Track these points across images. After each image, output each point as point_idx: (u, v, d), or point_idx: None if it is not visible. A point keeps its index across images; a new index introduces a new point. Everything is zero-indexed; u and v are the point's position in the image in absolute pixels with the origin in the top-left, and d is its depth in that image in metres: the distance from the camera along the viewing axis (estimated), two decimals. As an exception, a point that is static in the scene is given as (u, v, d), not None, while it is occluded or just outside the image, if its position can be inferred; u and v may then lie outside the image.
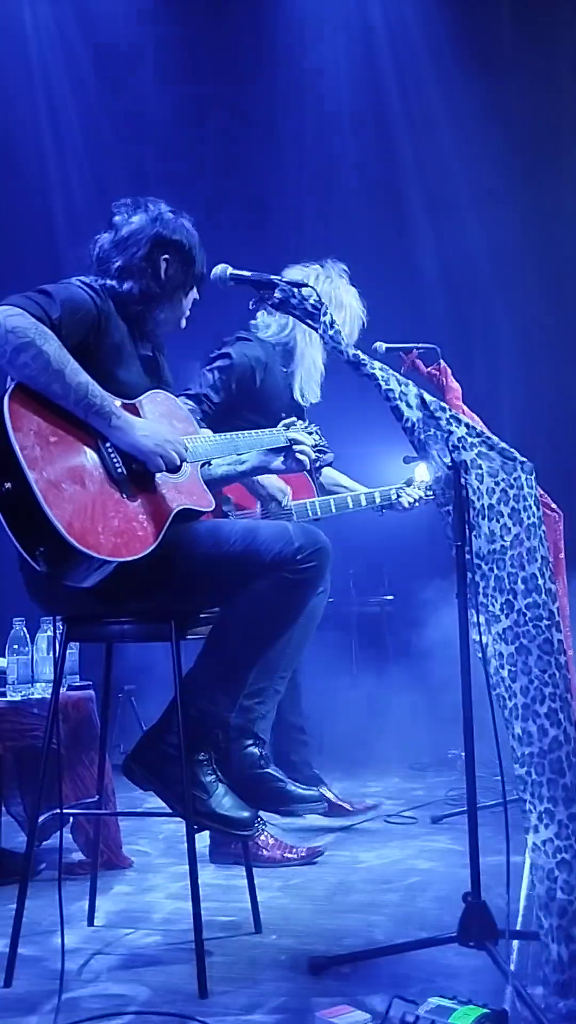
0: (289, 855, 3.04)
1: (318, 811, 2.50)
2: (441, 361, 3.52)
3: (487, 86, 5.83)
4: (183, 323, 2.41)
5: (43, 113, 6.03)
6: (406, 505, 3.48)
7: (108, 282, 2.26)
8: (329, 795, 3.49)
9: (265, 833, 2.99)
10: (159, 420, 2.23)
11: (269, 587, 2.13)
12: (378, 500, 3.47)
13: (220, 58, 6.08)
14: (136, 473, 2.12)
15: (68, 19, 5.99)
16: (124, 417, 2.11)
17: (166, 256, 2.30)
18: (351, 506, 3.42)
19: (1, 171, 5.89)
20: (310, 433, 2.55)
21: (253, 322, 3.36)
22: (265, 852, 3.01)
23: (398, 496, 3.46)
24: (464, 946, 1.96)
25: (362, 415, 3.95)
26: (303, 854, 3.06)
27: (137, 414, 2.20)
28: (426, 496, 3.49)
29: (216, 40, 6.08)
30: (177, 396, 3.12)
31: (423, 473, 4.04)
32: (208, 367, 3.22)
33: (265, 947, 2.33)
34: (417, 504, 3.51)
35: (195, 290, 2.39)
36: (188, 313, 2.41)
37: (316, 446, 2.52)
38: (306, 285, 2.13)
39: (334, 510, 3.33)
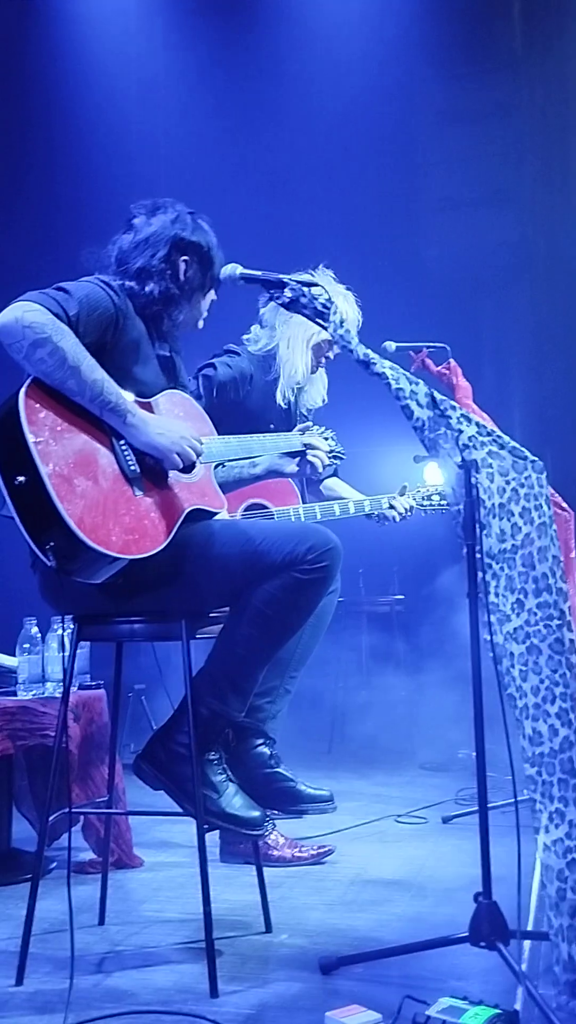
0: (299, 854, 3.05)
1: (328, 811, 2.50)
2: (451, 360, 3.52)
3: (497, 83, 5.83)
4: (201, 324, 2.42)
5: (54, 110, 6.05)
6: (398, 516, 3.31)
7: (127, 283, 2.27)
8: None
9: (275, 832, 3.00)
10: (175, 419, 2.24)
11: (280, 587, 2.13)
12: (367, 509, 3.31)
13: (226, 53, 6.08)
14: (150, 471, 2.13)
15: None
16: (139, 415, 2.12)
17: (185, 258, 2.31)
18: (338, 513, 3.27)
19: (12, 170, 5.92)
20: (326, 439, 2.55)
21: (246, 336, 3.37)
22: (275, 852, 3.01)
23: (390, 506, 3.30)
24: (475, 946, 1.95)
25: (369, 415, 3.96)
26: (313, 853, 3.06)
27: (153, 412, 2.21)
28: (420, 505, 3.36)
29: (222, 36, 6.08)
30: None
31: (432, 474, 4.03)
32: (193, 376, 3.22)
33: (275, 946, 2.33)
34: (410, 514, 3.35)
35: (213, 291, 2.40)
36: (206, 314, 2.42)
37: (331, 452, 2.52)
38: (316, 284, 2.13)
39: (319, 516, 3.18)
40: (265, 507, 3.29)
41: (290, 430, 3.47)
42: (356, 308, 3.36)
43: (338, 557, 2.18)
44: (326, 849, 3.11)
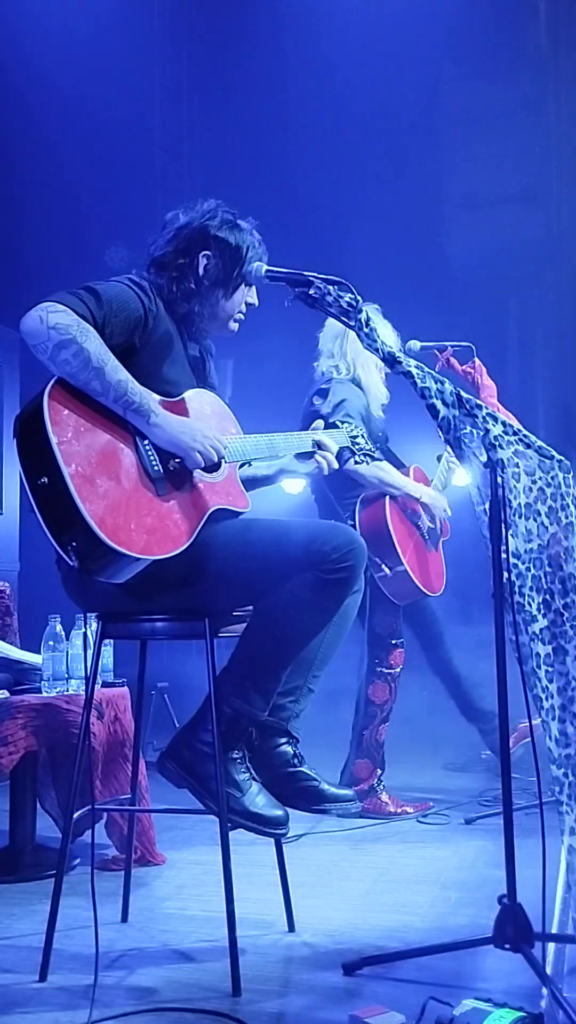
0: (408, 809, 3.65)
1: (351, 811, 2.49)
2: (476, 359, 3.51)
3: (523, 81, 5.79)
4: (234, 325, 2.39)
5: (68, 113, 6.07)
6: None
7: (157, 280, 2.27)
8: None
9: (384, 792, 3.67)
10: (202, 418, 2.24)
11: (303, 587, 2.12)
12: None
13: (247, 48, 6.07)
14: (173, 472, 2.13)
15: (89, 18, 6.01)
16: (162, 415, 2.11)
17: (207, 252, 2.30)
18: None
19: (35, 172, 5.95)
20: (353, 436, 2.52)
21: (324, 368, 3.76)
22: (390, 808, 3.62)
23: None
24: (499, 948, 1.94)
25: (392, 413, 3.95)
26: (415, 809, 3.67)
27: (183, 410, 2.21)
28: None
29: (242, 31, 6.07)
30: (359, 454, 3.38)
31: (456, 472, 4.03)
32: (336, 411, 3.53)
33: (298, 946, 2.33)
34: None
35: (244, 292, 2.36)
36: (239, 316, 2.39)
37: (360, 449, 2.50)
38: (342, 283, 2.12)
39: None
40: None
41: (388, 440, 3.72)
42: (387, 327, 3.65)
43: (363, 556, 2.17)
44: (428, 804, 3.70)
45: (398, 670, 3.79)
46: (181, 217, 2.34)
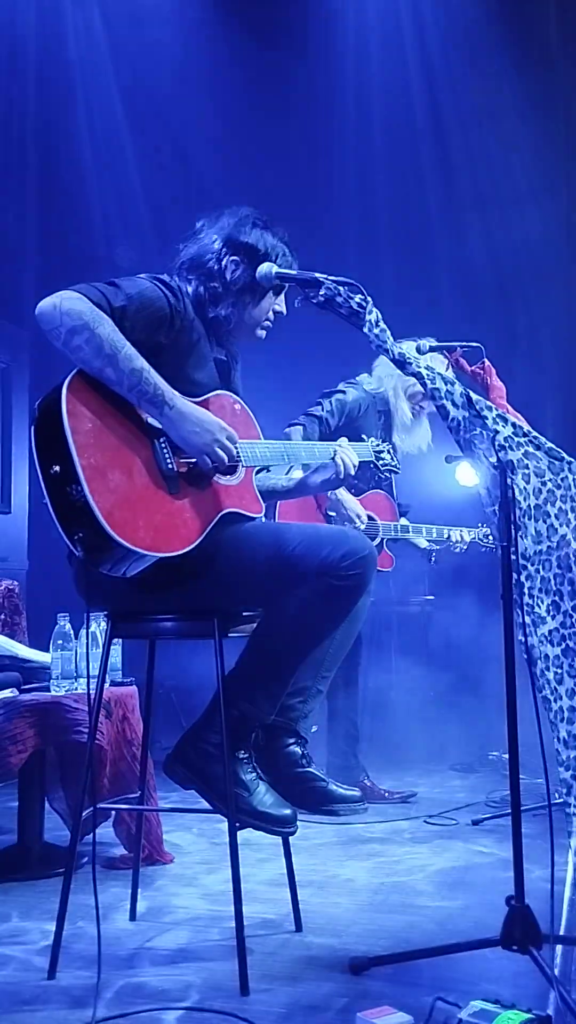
0: (387, 794, 3.84)
1: (359, 811, 2.49)
2: (485, 360, 3.50)
3: (534, 79, 5.78)
4: (261, 332, 2.38)
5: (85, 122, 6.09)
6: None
7: (187, 283, 2.28)
8: (367, 783, 3.89)
9: (367, 779, 3.87)
10: (219, 418, 2.23)
11: (313, 593, 2.11)
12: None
13: (258, 51, 6.07)
14: (187, 471, 2.13)
15: (113, 23, 6.03)
16: (178, 407, 2.10)
17: (235, 257, 2.30)
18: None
19: (50, 178, 5.97)
20: (378, 451, 2.52)
21: (358, 377, 4.06)
22: (370, 785, 3.80)
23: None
24: (507, 950, 1.94)
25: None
26: (399, 795, 3.85)
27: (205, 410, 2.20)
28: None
29: (254, 32, 6.07)
30: (300, 415, 3.68)
31: (464, 474, 4.04)
32: (325, 397, 3.89)
33: (306, 945, 2.33)
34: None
35: (272, 299, 2.35)
36: (267, 323, 2.38)
37: (385, 465, 2.51)
38: (352, 284, 2.12)
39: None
40: (373, 518, 3.86)
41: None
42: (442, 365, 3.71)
43: (373, 564, 2.16)
44: (408, 792, 3.89)
45: None
46: (212, 222, 2.35)
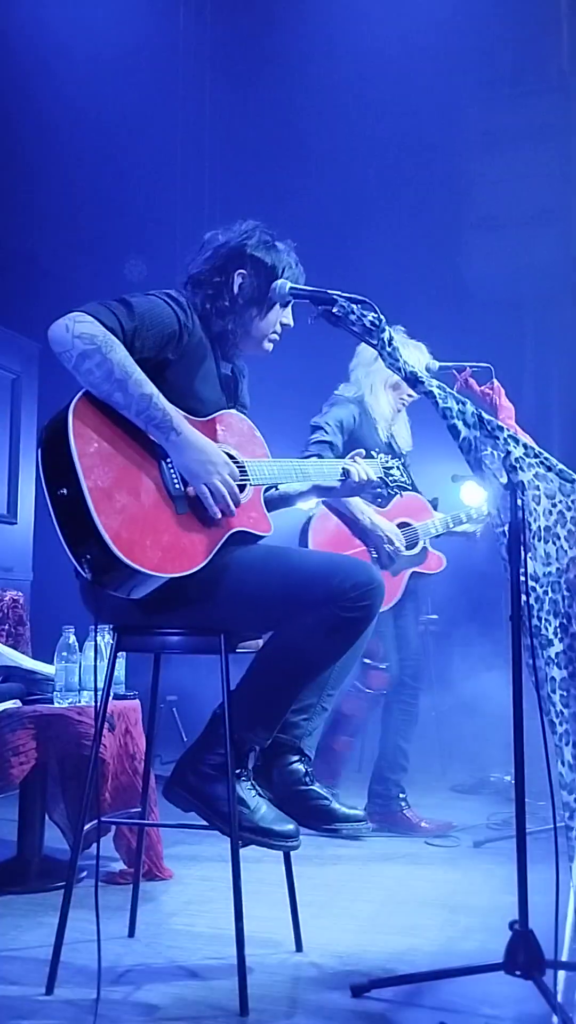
0: (426, 825, 3.71)
1: (361, 831, 2.48)
2: (494, 380, 3.51)
3: (542, 104, 5.82)
4: (268, 345, 2.38)
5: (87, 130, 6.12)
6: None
7: (194, 298, 2.29)
8: (408, 814, 3.79)
9: (406, 808, 3.76)
10: (229, 441, 2.22)
11: (319, 623, 2.09)
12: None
13: (268, 69, 6.12)
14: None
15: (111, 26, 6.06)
16: (184, 435, 2.09)
17: (242, 271, 2.31)
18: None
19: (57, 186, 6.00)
20: (388, 468, 2.51)
21: (336, 391, 3.91)
22: (409, 815, 3.71)
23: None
24: (510, 975, 1.92)
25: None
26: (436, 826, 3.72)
27: (212, 431, 2.20)
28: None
29: (262, 56, 6.12)
30: (311, 445, 3.63)
31: (469, 493, 4.04)
32: (317, 428, 3.74)
33: (306, 966, 2.31)
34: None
35: (279, 312, 2.35)
36: (274, 336, 2.38)
37: (395, 481, 2.50)
38: (365, 301, 2.13)
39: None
40: (409, 524, 3.80)
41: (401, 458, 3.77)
42: (428, 356, 3.67)
43: (381, 595, 2.14)
44: (448, 823, 3.74)
45: (377, 692, 3.80)
46: (220, 236, 2.35)
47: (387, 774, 3.80)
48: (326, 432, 3.71)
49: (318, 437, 3.68)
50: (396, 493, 2.53)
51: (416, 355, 3.66)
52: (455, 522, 3.87)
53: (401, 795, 3.79)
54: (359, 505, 3.61)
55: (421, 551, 3.81)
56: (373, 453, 2.56)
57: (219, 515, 2.12)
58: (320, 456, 3.62)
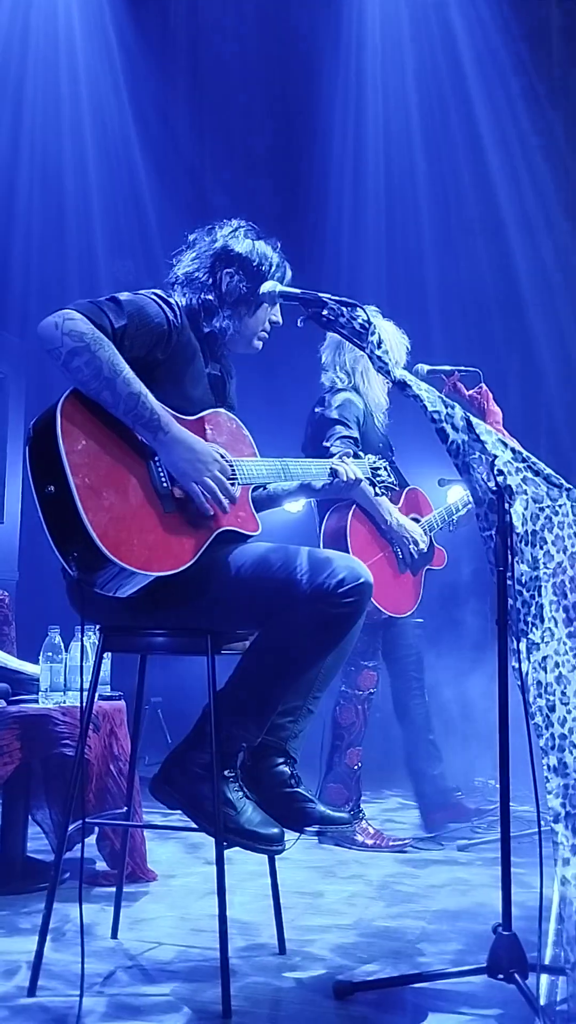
0: (380, 844, 3.49)
1: (347, 833, 2.48)
2: (482, 385, 3.51)
3: (535, 109, 5.85)
4: (258, 344, 2.39)
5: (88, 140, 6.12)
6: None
7: (181, 297, 2.29)
8: (463, 799, 3.84)
9: (364, 822, 3.54)
10: (217, 440, 2.22)
11: (307, 620, 2.09)
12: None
13: (267, 78, 6.13)
14: (183, 490, 2.12)
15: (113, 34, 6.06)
16: (172, 433, 2.09)
17: (229, 270, 2.31)
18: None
19: (46, 193, 5.99)
20: (375, 468, 2.51)
21: (329, 383, 3.76)
22: (360, 837, 3.47)
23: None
24: (493, 978, 1.93)
25: (394, 438, 3.96)
26: (393, 844, 3.51)
27: (200, 430, 2.20)
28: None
29: (253, 62, 6.13)
30: (336, 440, 3.51)
31: (456, 497, 4.04)
32: (340, 415, 3.61)
33: (289, 968, 2.31)
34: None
35: (267, 310, 2.36)
36: (263, 334, 2.39)
37: (382, 481, 2.50)
38: (356, 304, 2.13)
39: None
40: (418, 519, 3.80)
41: (393, 451, 3.79)
42: (399, 332, 3.64)
43: (368, 593, 2.14)
44: (405, 842, 3.53)
45: (366, 692, 3.75)
46: (205, 236, 2.36)
47: (430, 771, 3.79)
48: (348, 427, 3.60)
49: (343, 432, 3.55)
50: (383, 493, 2.53)
51: (394, 335, 3.64)
52: (449, 514, 3.88)
53: (452, 786, 3.82)
54: (386, 506, 3.62)
55: (431, 547, 3.83)
56: (360, 453, 2.57)
57: (211, 512, 2.12)
58: (351, 453, 3.53)
